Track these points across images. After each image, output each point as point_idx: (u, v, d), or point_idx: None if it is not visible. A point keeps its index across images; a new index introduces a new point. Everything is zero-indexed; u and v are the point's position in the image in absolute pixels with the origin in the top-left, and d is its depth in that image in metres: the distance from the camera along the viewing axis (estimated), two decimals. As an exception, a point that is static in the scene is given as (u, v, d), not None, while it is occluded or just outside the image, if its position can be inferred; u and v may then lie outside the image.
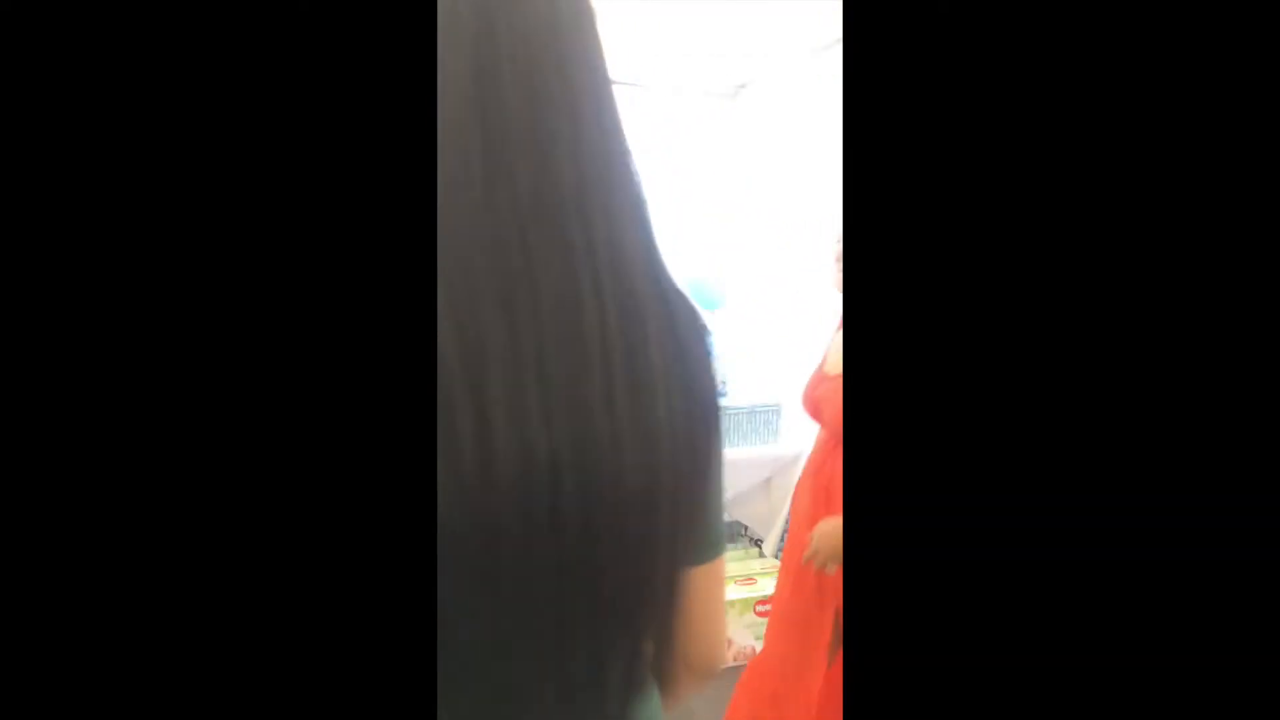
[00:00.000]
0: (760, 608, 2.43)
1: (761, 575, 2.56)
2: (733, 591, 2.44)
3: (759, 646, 2.34)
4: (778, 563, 2.41)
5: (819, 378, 1.72)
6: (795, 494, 1.82)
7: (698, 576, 0.61)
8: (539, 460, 0.47)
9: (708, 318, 0.58)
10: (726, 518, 2.99)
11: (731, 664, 2.28)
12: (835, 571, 1.55)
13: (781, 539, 2.59)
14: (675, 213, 2.98)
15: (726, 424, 2.71)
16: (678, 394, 0.52)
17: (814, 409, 1.72)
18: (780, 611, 1.79)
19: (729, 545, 2.98)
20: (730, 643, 2.37)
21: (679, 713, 0.70)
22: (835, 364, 1.69)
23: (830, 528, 1.53)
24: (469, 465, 0.45)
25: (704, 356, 0.56)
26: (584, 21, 0.52)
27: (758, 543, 2.85)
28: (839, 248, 1.63)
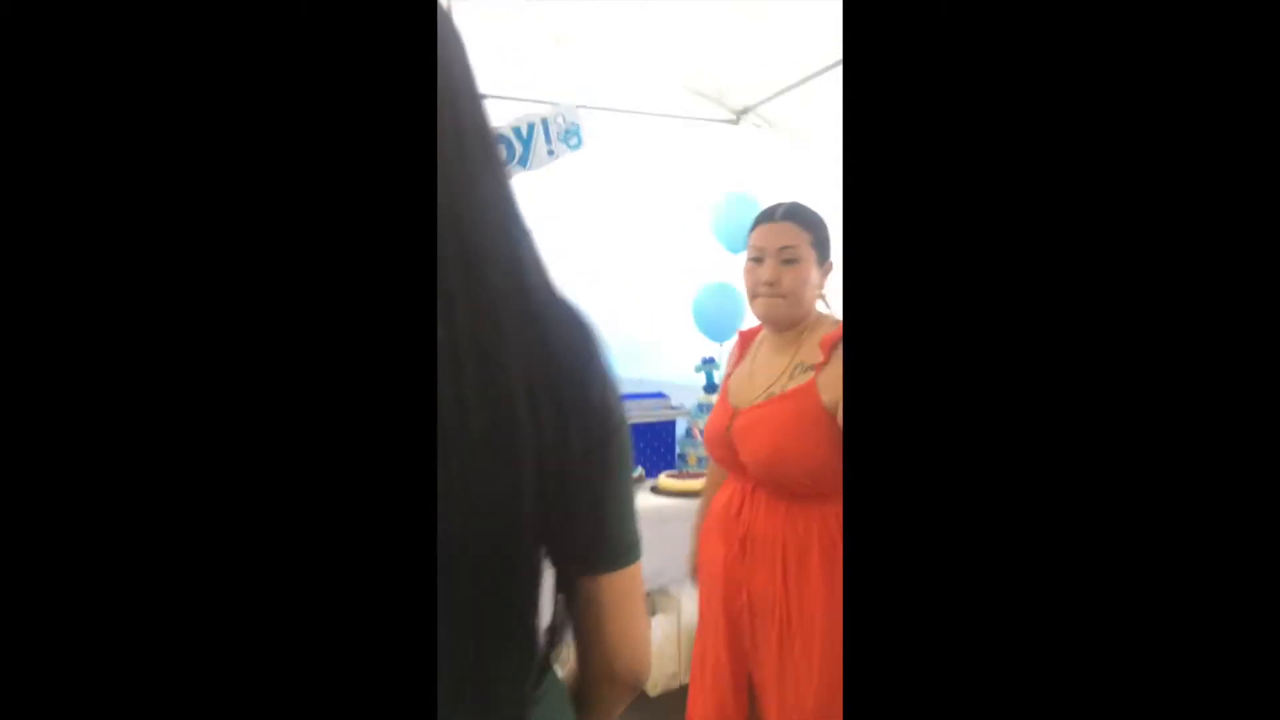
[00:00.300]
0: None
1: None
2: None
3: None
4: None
5: (726, 413, 1.47)
6: (702, 544, 1.55)
7: (604, 585, 0.62)
8: None
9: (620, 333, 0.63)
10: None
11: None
12: None
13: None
14: (677, 240, 2.92)
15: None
16: (545, 400, 0.54)
17: (724, 450, 1.45)
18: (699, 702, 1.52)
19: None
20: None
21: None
22: (743, 397, 1.46)
23: None
24: None
25: (584, 365, 0.58)
26: (447, 43, 0.54)
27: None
28: (753, 279, 1.40)
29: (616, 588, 0.62)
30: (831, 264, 1.43)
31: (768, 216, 1.41)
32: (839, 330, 1.35)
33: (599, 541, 0.61)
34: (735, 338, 1.63)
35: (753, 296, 1.42)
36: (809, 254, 1.37)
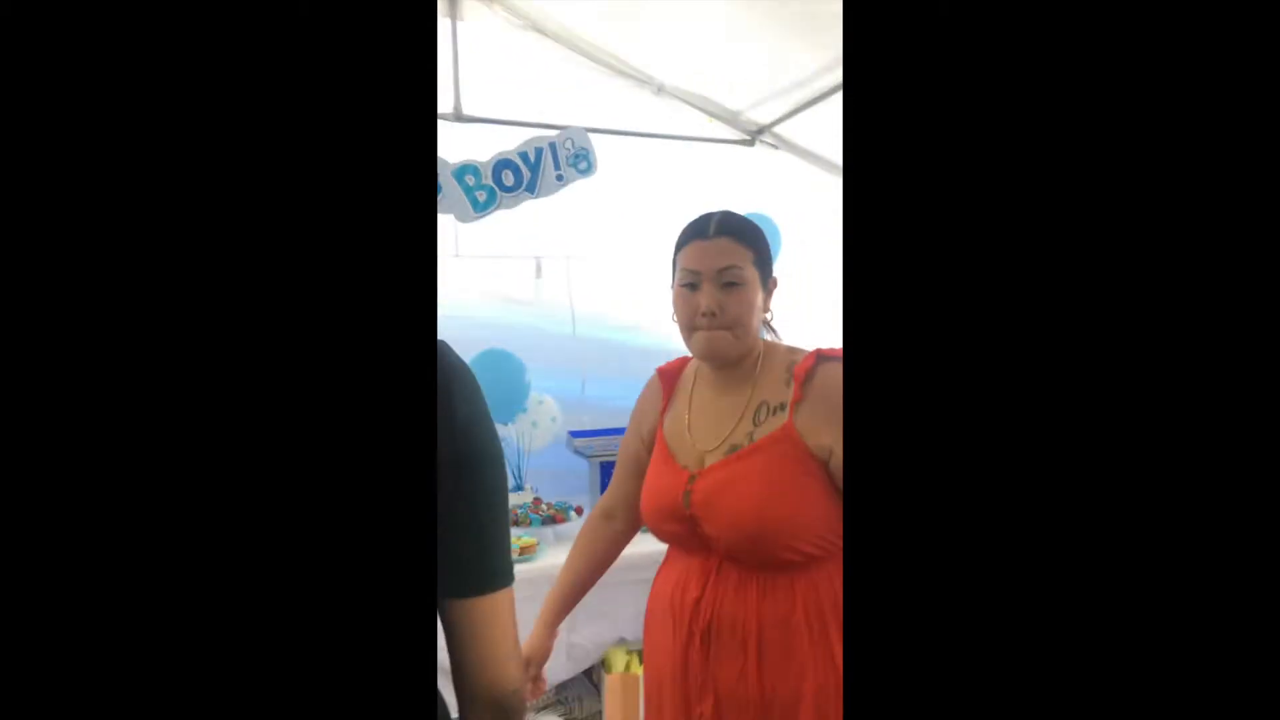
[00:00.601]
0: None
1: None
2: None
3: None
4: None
5: (678, 477, 1.16)
6: (646, 639, 1.24)
7: (467, 608, 0.66)
8: None
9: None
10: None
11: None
12: None
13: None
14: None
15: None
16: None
17: (679, 524, 1.15)
18: None
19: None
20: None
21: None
22: (693, 454, 1.17)
23: None
24: None
25: (443, 397, 0.63)
26: None
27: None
28: (688, 309, 1.14)
29: (480, 611, 0.67)
30: (776, 281, 1.21)
31: (699, 231, 1.16)
32: (812, 358, 1.13)
33: (458, 566, 0.65)
34: (654, 377, 1.32)
35: (689, 329, 1.15)
36: (752, 274, 1.13)
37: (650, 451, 1.27)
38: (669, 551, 1.24)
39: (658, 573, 1.25)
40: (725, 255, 1.12)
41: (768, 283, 1.18)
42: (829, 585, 1.09)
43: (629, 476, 1.32)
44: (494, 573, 0.68)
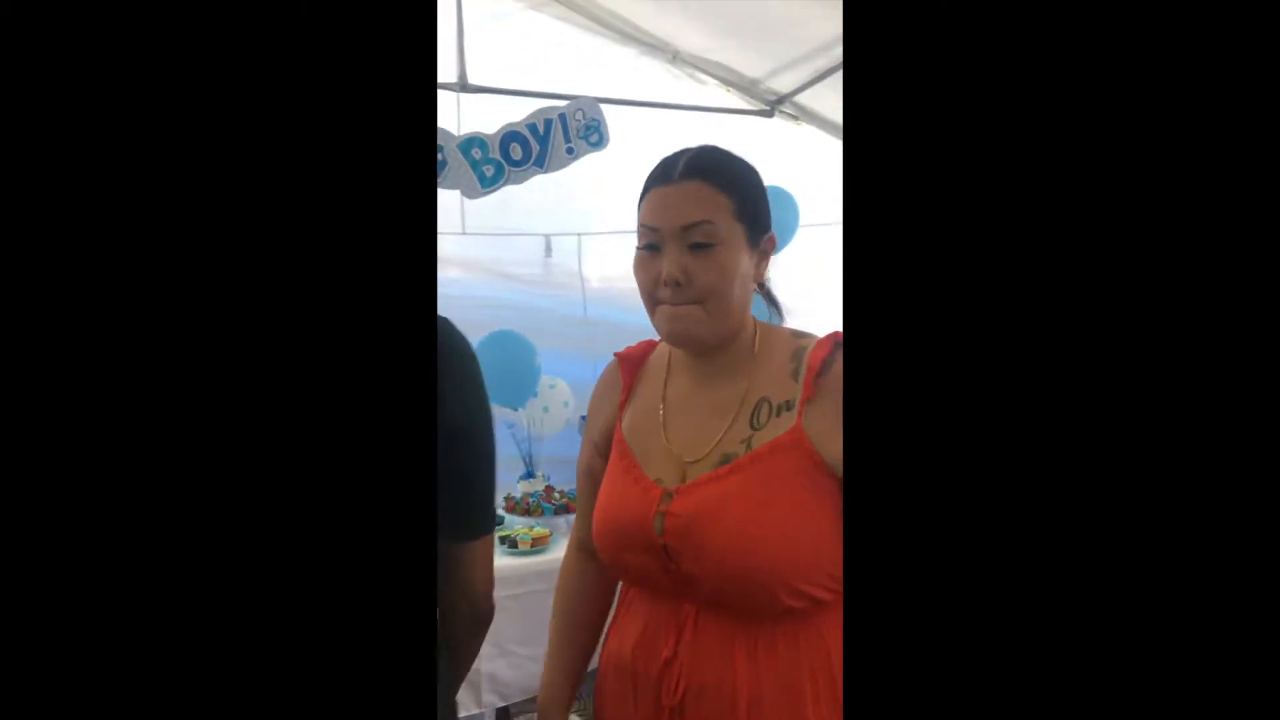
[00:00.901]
0: None
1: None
2: None
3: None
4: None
5: (648, 494, 0.87)
6: (601, 709, 0.96)
7: (454, 550, 0.85)
8: None
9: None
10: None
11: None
12: None
13: None
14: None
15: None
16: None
17: (648, 557, 0.86)
18: None
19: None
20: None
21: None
22: (669, 465, 0.89)
23: None
24: None
25: (449, 377, 0.79)
26: None
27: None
28: (648, 278, 0.86)
29: (467, 552, 0.86)
30: (774, 239, 0.91)
31: (663, 175, 0.86)
32: (828, 344, 0.87)
33: (451, 517, 0.79)
34: (611, 363, 1.04)
35: (651, 304, 0.87)
36: (732, 230, 0.84)
37: (606, 460, 0.98)
38: (626, 594, 0.96)
39: (612, 623, 0.97)
40: (693, 206, 0.83)
41: (760, 241, 0.89)
42: (839, 641, 0.83)
43: (594, 498, 0.99)
44: (481, 524, 0.87)
